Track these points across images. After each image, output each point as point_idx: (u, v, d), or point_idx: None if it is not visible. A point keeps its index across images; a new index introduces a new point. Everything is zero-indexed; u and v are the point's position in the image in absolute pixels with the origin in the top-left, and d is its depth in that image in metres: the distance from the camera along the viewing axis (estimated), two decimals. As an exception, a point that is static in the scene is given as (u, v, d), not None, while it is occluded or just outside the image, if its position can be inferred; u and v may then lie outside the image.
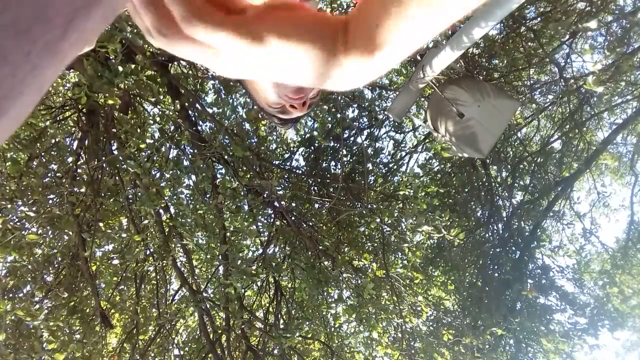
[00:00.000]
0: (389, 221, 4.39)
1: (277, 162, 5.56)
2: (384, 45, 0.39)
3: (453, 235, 3.70)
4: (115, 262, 4.47)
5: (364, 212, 4.11)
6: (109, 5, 0.34)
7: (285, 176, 5.57)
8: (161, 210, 3.99)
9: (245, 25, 0.38)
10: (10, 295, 3.94)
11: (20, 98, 0.29)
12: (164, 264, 4.57)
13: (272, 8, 0.40)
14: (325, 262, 4.80)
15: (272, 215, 4.91)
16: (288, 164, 5.74)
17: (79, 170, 4.02)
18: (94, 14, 0.31)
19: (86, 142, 4.03)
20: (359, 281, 4.78)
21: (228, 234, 4.14)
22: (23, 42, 0.26)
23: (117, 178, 3.96)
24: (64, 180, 3.70)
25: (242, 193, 4.26)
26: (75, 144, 4.17)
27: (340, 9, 4.83)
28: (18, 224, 3.58)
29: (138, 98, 4.12)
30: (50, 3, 0.27)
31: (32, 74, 0.28)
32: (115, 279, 4.60)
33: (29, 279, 3.95)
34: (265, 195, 4.18)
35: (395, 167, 6.14)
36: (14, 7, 0.25)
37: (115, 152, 3.89)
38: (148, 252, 4.42)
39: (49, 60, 0.29)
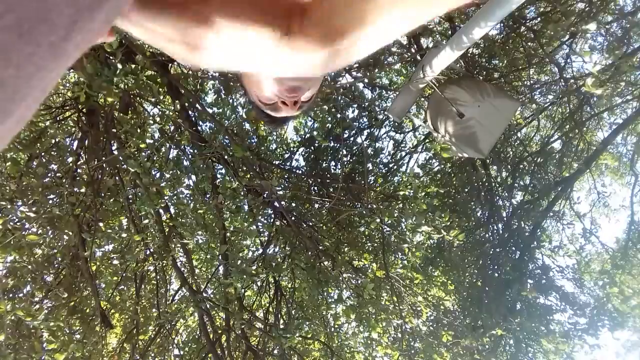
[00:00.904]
0: (389, 221, 4.39)
1: (277, 162, 5.56)
2: (346, 34, 0.37)
3: (453, 236, 3.69)
4: (115, 262, 4.47)
5: (364, 212, 4.11)
6: (112, 7, 0.34)
7: (285, 176, 5.57)
8: (161, 210, 3.99)
9: (190, 8, 0.37)
10: (11, 295, 3.94)
11: (25, 99, 0.29)
12: (164, 264, 4.57)
13: None
14: (325, 262, 4.80)
15: (272, 215, 4.91)
16: (288, 164, 5.75)
17: (79, 170, 4.02)
18: (97, 16, 0.31)
19: (86, 142, 4.03)
20: (359, 281, 4.78)
21: (228, 234, 4.14)
22: (27, 43, 0.26)
23: (117, 178, 3.96)
24: (64, 181, 3.70)
25: (242, 193, 4.26)
26: (75, 144, 4.17)
27: None
28: (18, 224, 3.58)
29: (138, 98, 4.12)
30: (54, 5, 0.27)
31: (36, 76, 0.28)
32: (115, 279, 4.61)
33: (29, 279, 3.95)
34: (265, 195, 4.18)
35: (395, 167, 6.14)
36: (16, 9, 0.25)
37: (115, 152, 3.89)
38: (148, 252, 4.42)
39: (52, 61, 0.29)
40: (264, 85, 0.69)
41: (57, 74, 0.31)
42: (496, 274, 5.94)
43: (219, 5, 0.37)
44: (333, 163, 5.57)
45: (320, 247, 4.76)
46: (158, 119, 4.11)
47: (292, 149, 5.85)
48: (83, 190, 3.80)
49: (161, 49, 0.43)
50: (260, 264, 4.36)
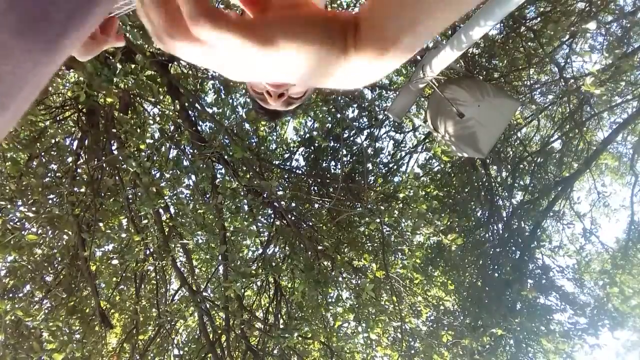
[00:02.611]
0: (389, 222, 4.39)
1: (277, 162, 5.56)
2: (398, 41, 0.38)
3: (451, 240, 3.69)
4: (115, 262, 4.46)
5: (364, 212, 4.10)
6: (109, 3, 0.34)
7: (285, 176, 5.57)
8: (161, 210, 3.98)
9: (254, 28, 0.37)
10: (10, 295, 3.94)
11: (20, 94, 0.29)
12: (164, 264, 4.57)
13: (281, 7, 0.40)
14: (325, 263, 4.80)
15: (272, 215, 4.91)
16: (288, 164, 5.75)
17: (78, 170, 4.02)
18: (94, 11, 0.32)
19: (86, 142, 4.03)
20: (359, 281, 4.78)
21: (228, 234, 4.14)
22: (26, 40, 0.26)
23: (117, 178, 3.96)
24: (63, 180, 3.70)
25: (242, 193, 4.26)
26: (75, 143, 4.17)
27: (340, 8, 4.82)
28: (18, 224, 3.58)
29: (138, 98, 4.12)
30: (53, 2, 0.27)
31: (33, 71, 0.29)
32: (115, 279, 4.60)
33: (29, 279, 3.95)
34: (265, 196, 4.18)
35: (395, 167, 6.14)
36: (18, 7, 0.25)
37: (115, 152, 3.89)
38: (148, 252, 4.42)
39: (49, 57, 0.29)
40: None
41: (53, 68, 0.31)
42: (496, 274, 5.94)
43: (279, 25, 0.38)
44: (333, 163, 5.57)
45: (320, 248, 4.76)
46: (158, 119, 4.10)
47: (292, 149, 5.85)
48: (83, 190, 3.80)
49: (208, 67, 0.42)
50: (259, 264, 4.36)
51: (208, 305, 4.19)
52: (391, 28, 0.37)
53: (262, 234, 4.89)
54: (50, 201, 3.72)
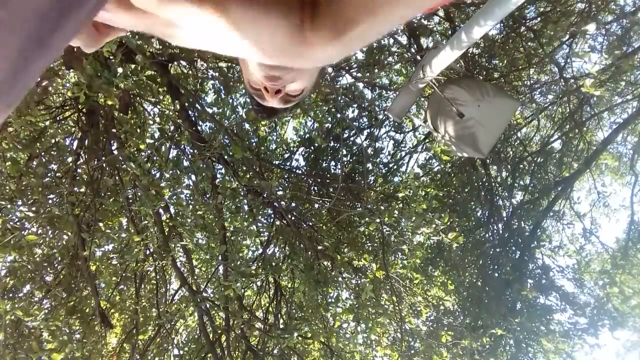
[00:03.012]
0: (389, 222, 4.39)
1: (277, 162, 5.56)
2: (355, 26, 0.38)
3: (452, 239, 3.69)
4: (115, 262, 4.46)
5: (364, 212, 4.10)
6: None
7: (285, 176, 5.57)
8: (161, 210, 3.98)
9: None
10: (10, 295, 3.94)
11: (13, 90, 0.29)
12: (164, 264, 4.57)
13: None
14: (325, 263, 4.80)
15: (272, 215, 4.91)
16: (288, 164, 5.74)
17: (78, 170, 4.02)
18: (86, 6, 0.32)
19: (86, 142, 4.03)
20: (359, 281, 4.78)
21: (228, 234, 4.14)
22: (18, 38, 0.26)
23: (116, 178, 3.96)
24: (63, 180, 3.70)
25: (242, 193, 4.26)
26: (75, 143, 4.17)
27: None
28: (18, 224, 3.58)
29: (138, 98, 4.12)
30: None
31: (25, 67, 0.29)
32: (114, 278, 4.60)
33: (29, 279, 3.95)
34: (265, 196, 4.17)
35: (395, 167, 6.14)
36: (11, 4, 0.25)
37: (115, 152, 3.89)
38: (148, 252, 4.41)
39: (41, 53, 0.29)
40: (253, 69, 0.68)
41: (44, 65, 0.31)
42: (496, 274, 5.94)
43: None
44: (333, 163, 5.57)
45: (320, 247, 4.76)
46: (158, 119, 4.10)
47: (292, 148, 5.85)
48: (83, 190, 3.79)
49: (146, 32, 0.43)
50: (259, 264, 4.36)
51: (208, 305, 4.19)
52: (350, 11, 0.37)
53: (262, 234, 4.89)
54: (50, 201, 3.72)
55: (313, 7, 0.40)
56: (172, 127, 4.25)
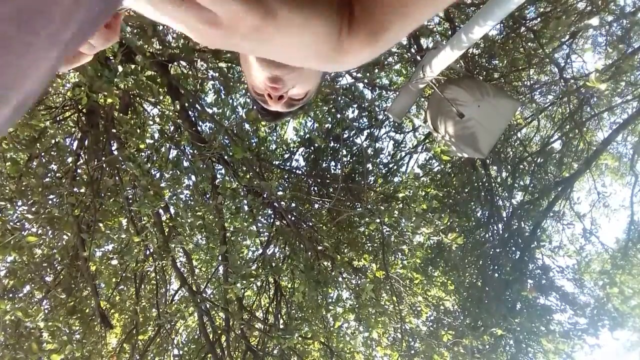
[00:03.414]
0: (389, 222, 4.39)
1: (277, 163, 5.55)
2: (385, 36, 0.38)
3: (451, 239, 3.69)
4: (115, 262, 4.46)
5: (364, 212, 4.10)
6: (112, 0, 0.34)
7: (285, 176, 5.57)
8: (161, 211, 3.98)
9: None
10: (10, 295, 3.94)
11: (22, 88, 0.29)
12: (164, 264, 4.57)
13: None
14: (325, 263, 4.80)
15: (272, 216, 4.91)
16: (288, 164, 5.74)
17: (78, 171, 4.01)
18: (95, 6, 0.32)
19: (86, 142, 4.03)
20: (359, 282, 4.78)
21: (228, 234, 4.13)
22: (26, 33, 0.26)
23: (116, 178, 3.96)
24: (63, 181, 3.70)
25: (242, 193, 4.26)
26: (75, 144, 4.16)
27: None
28: (18, 224, 3.58)
29: (138, 98, 4.12)
30: None
31: (35, 65, 0.28)
32: (114, 279, 4.60)
33: (29, 279, 3.94)
34: (265, 196, 4.17)
35: (395, 167, 6.14)
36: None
37: (115, 153, 3.89)
38: (148, 253, 4.41)
39: (50, 51, 0.29)
40: (254, 71, 0.68)
41: (54, 64, 0.31)
42: (496, 274, 5.94)
43: None
44: (333, 163, 5.57)
45: (320, 248, 4.76)
46: (158, 119, 4.10)
47: (292, 149, 5.85)
48: (83, 190, 3.79)
49: (186, 32, 0.42)
50: (259, 264, 4.36)
51: (208, 306, 4.19)
52: (384, 15, 0.38)
53: (262, 235, 4.89)
54: (50, 202, 3.72)
55: (350, 14, 0.41)
56: (172, 128, 4.25)
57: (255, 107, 0.87)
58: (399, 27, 0.39)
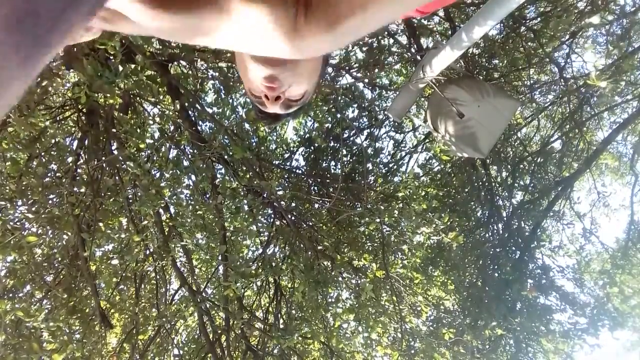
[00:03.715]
0: (389, 221, 4.39)
1: (277, 162, 5.56)
2: (349, 18, 0.39)
3: (451, 239, 3.69)
4: (115, 262, 4.46)
5: (364, 212, 4.10)
6: None
7: (285, 176, 5.57)
8: (161, 210, 3.98)
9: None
10: (10, 295, 3.94)
11: (9, 89, 0.29)
12: (164, 264, 4.57)
13: None
14: (325, 263, 4.80)
15: (272, 216, 4.91)
16: (288, 164, 5.74)
17: (78, 170, 4.01)
18: (83, 7, 0.32)
19: (86, 142, 4.03)
20: (359, 281, 4.78)
21: (228, 234, 4.13)
22: (13, 35, 0.26)
23: (116, 178, 3.96)
24: (63, 180, 3.70)
25: (242, 193, 4.26)
26: (75, 144, 4.16)
27: None
28: (18, 224, 3.58)
29: (138, 98, 4.12)
30: None
31: (22, 66, 0.29)
32: (114, 279, 4.60)
33: (29, 279, 3.94)
34: (265, 196, 4.17)
35: (395, 167, 6.14)
36: (5, 2, 0.25)
37: (115, 152, 3.89)
38: (148, 252, 4.41)
39: (38, 52, 0.29)
40: (250, 75, 0.68)
41: (41, 64, 0.31)
42: (496, 274, 5.94)
43: None
44: (333, 163, 5.57)
45: (320, 247, 4.76)
46: (158, 119, 4.10)
47: (292, 149, 5.85)
48: (83, 190, 3.79)
49: (158, 36, 0.45)
50: (259, 264, 4.36)
51: (208, 305, 4.19)
52: (340, 5, 0.38)
53: (262, 234, 4.89)
54: (50, 201, 3.72)
55: (306, 2, 0.42)
56: (172, 127, 4.25)
57: (254, 111, 0.87)
58: (359, 20, 0.40)
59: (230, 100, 4.54)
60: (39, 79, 2.97)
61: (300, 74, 0.70)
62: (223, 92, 4.10)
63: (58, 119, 4.25)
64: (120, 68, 2.63)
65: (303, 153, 5.64)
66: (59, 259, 4.34)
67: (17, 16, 0.26)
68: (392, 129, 5.99)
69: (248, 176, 4.31)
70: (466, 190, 6.27)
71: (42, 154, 3.66)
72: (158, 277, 4.92)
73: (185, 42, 0.46)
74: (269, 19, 0.41)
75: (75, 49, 2.77)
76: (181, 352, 5.22)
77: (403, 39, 4.74)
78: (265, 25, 0.42)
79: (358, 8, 0.39)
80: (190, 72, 4.40)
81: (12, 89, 0.30)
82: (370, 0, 0.39)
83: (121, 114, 3.74)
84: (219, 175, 4.26)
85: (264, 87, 0.69)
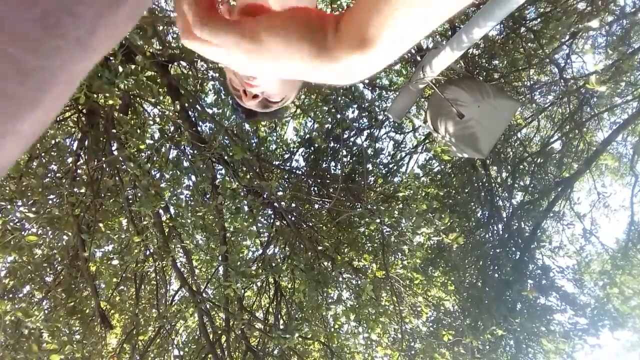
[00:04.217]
0: (389, 222, 4.39)
1: (277, 163, 5.56)
2: (375, 40, 0.39)
3: (452, 239, 3.69)
4: (115, 262, 4.46)
5: (364, 212, 4.10)
6: (136, 2, 0.34)
7: (285, 177, 5.57)
8: (161, 211, 3.98)
9: (246, 27, 0.43)
10: (10, 295, 3.94)
11: (51, 91, 0.29)
12: (164, 265, 4.57)
13: (272, 11, 0.44)
14: (325, 263, 4.80)
15: (272, 216, 4.91)
16: (288, 164, 5.74)
17: (78, 171, 4.02)
18: (122, 10, 0.32)
19: (86, 142, 4.03)
20: (359, 282, 4.78)
21: (228, 234, 4.13)
22: (53, 36, 0.26)
23: (116, 178, 3.96)
24: (63, 181, 3.70)
25: (242, 194, 4.26)
26: (75, 144, 4.16)
27: (340, 9, 4.82)
28: (18, 224, 3.58)
29: (138, 99, 4.12)
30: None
31: (62, 68, 0.29)
32: (115, 279, 4.60)
33: (29, 279, 3.94)
34: (265, 196, 4.17)
35: (395, 167, 6.14)
36: (42, 1, 0.25)
37: (115, 153, 3.89)
38: (148, 253, 4.41)
39: (79, 55, 0.29)
40: (234, 72, 0.69)
41: (83, 68, 0.31)
42: (496, 275, 5.94)
43: (267, 22, 0.43)
44: (333, 163, 5.57)
45: (320, 248, 4.75)
46: (158, 120, 4.10)
47: (292, 149, 5.85)
48: (83, 190, 3.79)
49: (223, 63, 0.49)
50: (259, 264, 4.36)
51: (208, 306, 4.18)
52: (370, 24, 0.39)
53: (262, 235, 4.89)
54: (50, 202, 3.72)
55: (335, 27, 0.43)
56: (172, 128, 4.25)
57: (232, 103, 0.89)
58: (389, 40, 0.39)
59: (230, 101, 4.53)
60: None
61: (283, 82, 0.71)
62: (223, 92, 4.10)
63: (58, 119, 4.25)
64: (120, 68, 2.63)
65: (303, 153, 5.64)
66: (59, 259, 4.34)
67: (56, 16, 0.26)
68: (392, 130, 6.00)
69: (248, 177, 4.30)
70: (466, 190, 6.27)
71: (42, 154, 3.66)
72: (158, 277, 4.92)
73: (232, 64, 0.48)
74: (298, 50, 0.43)
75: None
76: (181, 352, 5.22)
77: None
78: (296, 56, 0.43)
79: (386, 26, 0.40)
80: (190, 72, 4.41)
81: (56, 90, 0.30)
82: (396, 14, 0.39)
83: (121, 115, 3.75)
84: (219, 176, 4.26)
85: (243, 82, 0.70)
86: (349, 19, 0.41)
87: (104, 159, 3.79)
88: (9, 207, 3.42)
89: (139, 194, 3.71)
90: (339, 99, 4.77)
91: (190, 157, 4.03)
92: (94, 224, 3.88)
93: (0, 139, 0.28)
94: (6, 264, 3.85)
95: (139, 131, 3.32)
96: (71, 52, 0.28)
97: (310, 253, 4.63)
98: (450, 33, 4.70)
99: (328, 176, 5.39)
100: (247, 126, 4.66)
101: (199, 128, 4.27)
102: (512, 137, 6.53)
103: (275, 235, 4.88)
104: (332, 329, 5.02)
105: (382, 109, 5.58)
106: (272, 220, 4.91)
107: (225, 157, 4.05)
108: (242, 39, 0.42)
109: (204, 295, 4.30)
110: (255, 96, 0.74)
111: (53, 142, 3.69)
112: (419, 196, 3.97)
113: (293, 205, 5.29)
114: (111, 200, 3.98)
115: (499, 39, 5.31)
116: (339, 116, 5.03)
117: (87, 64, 0.31)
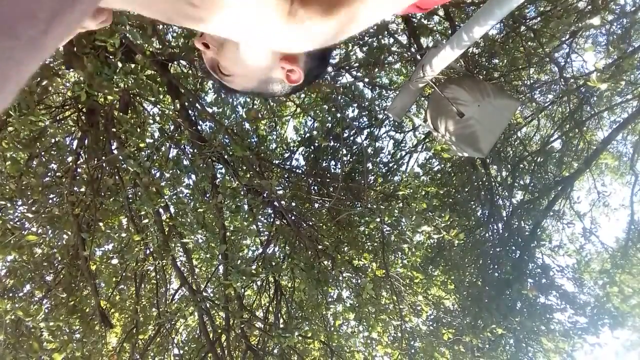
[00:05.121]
0: (389, 221, 4.39)
1: (277, 162, 5.55)
2: (347, 4, 0.39)
3: (452, 236, 3.69)
4: (115, 261, 4.46)
5: (364, 211, 4.10)
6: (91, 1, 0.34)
7: (285, 175, 5.56)
8: (161, 210, 3.98)
9: None
10: (10, 295, 3.94)
11: (3, 92, 0.29)
12: (164, 264, 4.57)
13: None
14: (325, 262, 4.80)
15: (272, 215, 4.91)
16: (288, 163, 5.74)
17: (78, 170, 4.01)
18: (77, 8, 0.31)
19: (86, 141, 4.02)
20: (359, 281, 4.78)
21: (228, 233, 4.13)
22: (7, 38, 0.26)
23: (116, 177, 3.96)
24: (63, 180, 3.70)
25: (242, 192, 4.26)
26: (75, 143, 4.16)
27: None
28: (18, 223, 3.58)
29: (138, 97, 4.12)
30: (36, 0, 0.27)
31: (15, 69, 0.28)
32: (115, 278, 4.60)
33: (29, 278, 3.94)
34: (265, 195, 4.17)
35: (395, 166, 6.14)
36: (4, 4, 0.25)
37: (115, 152, 3.89)
38: (148, 252, 4.41)
39: (32, 54, 0.29)
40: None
41: (33, 67, 0.31)
42: (496, 273, 5.94)
43: None
44: (333, 162, 5.57)
45: (320, 247, 4.76)
46: (158, 118, 4.10)
47: (292, 148, 5.85)
48: (83, 189, 3.79)
49: (153, 17, 0.47)
50: (259, 263, 4.36)
51: (208, 305, 4.19)
52: None
53: (262, 234, 4.89)
54: (50, 201, 3.72)
55: None
56: (172, 127, 4.25)
57: (199, 66, 0.88)
58: (358, 6, 0.39)
59: (230, 100, 4.54)
60: (39, 79, 2.97)
61: (228, 58, 0.70)
62: (223, 91, 4.09)
63: (58, 118, 4.25)
64: (120, 65, 2.62)
65: (303, 152, 5.64)
66: (59, 258, 4.33)
67: (12, 18, 0.26)
68: (392, 129, 6.00)
69: (248, 175, 4.30)
70: (466, 189, 6.27)
71: (42, 153, 3.66)
72: (158, 276, 4.92)
73: (176, 24, 0.47)
74: (265, 2, 0.42)
75: (75, 48, 2.77)
76: (181, 351, 5.22)
77: (403, 38, 4.74)
78: (261, 10, 0.42)
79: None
80: (190, 71, 4.40)
81: (5, 91, 0.29)
82: None
83: (121, 114, 3.74)
84: (219, 175, 4.26)
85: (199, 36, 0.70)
86: None
87: (104, 157, 3.79)
88: (9, 206, 3.42)
89: (139, 193, 3.71)
90: (339, 97, 4.77)
91: (190, 155, 4.03)
92: (94, 223, 3.88)
93: None
94: (6, 263, 3.85)
95: (139, 130, 3.32)
96: (23, 52, 0.28)
97: (310, 252, 4.64)
98: (450, 32, 4.70)
99: (328, 175, 5.39)
100: (247, 125, 4.66)
101: (199, 127, 4.27)
102: (512, 136, 6.53)
103: (275, 234, 4.88)
104: (332, 328, 5.03)
105: (382, 107, 5.58)
106: (272, 219, 4.91)
107: (225, 156, 4.05)
108: None
109: (204, 294, 4.31)
110: (206, 46, 0.72)
111: (53, 141, 3.69)
112: (419, 195, 3.97)
113: (293, 204, 5.29)
114: (111, 199, 3.98)
115: (499, 37, 5.31)
116: (338, 115, 5.03)
117: (38, 62, 0.31)
